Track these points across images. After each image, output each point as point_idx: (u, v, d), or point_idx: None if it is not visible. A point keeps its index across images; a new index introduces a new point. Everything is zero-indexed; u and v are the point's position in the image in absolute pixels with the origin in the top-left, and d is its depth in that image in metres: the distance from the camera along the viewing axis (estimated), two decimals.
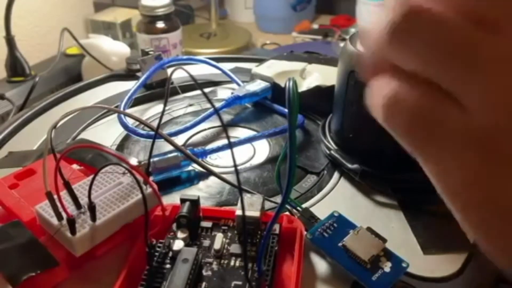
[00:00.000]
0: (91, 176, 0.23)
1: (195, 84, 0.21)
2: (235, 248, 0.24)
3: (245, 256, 0.23)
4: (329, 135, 0.35)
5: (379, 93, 0.16)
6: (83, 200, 0.23)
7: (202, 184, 0.32)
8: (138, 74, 0.49)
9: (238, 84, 0.44)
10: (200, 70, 0.48)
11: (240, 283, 0.22)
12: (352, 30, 0.89)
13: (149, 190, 0.24)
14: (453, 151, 0.15)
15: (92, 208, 0.23)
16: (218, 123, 0.40)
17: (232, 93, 0.41)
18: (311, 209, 0.28)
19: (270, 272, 0.23)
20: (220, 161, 0.35)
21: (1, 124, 0.42)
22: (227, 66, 0.47)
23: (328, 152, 0.34)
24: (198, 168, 0.33)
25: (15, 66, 0.69)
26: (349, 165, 0.31)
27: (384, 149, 0.31)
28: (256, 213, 0.24)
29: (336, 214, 0.27)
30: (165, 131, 0.37)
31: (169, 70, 0.46)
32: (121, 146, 0.37)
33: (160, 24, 0.79)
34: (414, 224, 0.28)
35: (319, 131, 0.36)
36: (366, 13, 0.92)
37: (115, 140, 0.38)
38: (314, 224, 0.26)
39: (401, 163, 0.31)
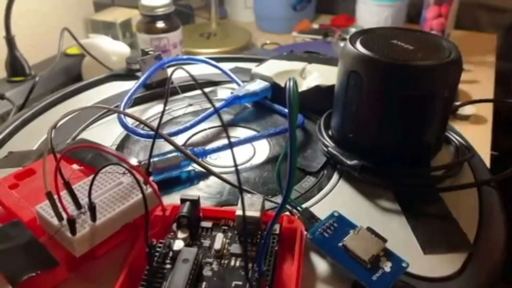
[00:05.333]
0: (91, 176, 0.23)
1: (195, 84, 0.21)
2: (235, 248, 0.24)
3: (245, 256, 0.23)
4: (326, 133, 0.35)
5: None
6: (83, 200, 0.23)
7: (202, 184, 0.32)
8: (138, 74, 0.49)
9: (238, 84, 0.44)
10: (200, 70, 0.48)
11: (240, 283, 0.22)
12: (352, 30, 0.89)
13: (149, 190, 0.24)
14: None
15: (92, 208, 0.23)
16: (218, 123, 0.40)
17: (232, 93, 0.41)
18: (311, 209, 0.28)
19: (271, 272, 0.23)
20: (220, 161, 0.35)
21: (1, 124, 0.41)
22: (227, 66, 0.47)
23: (325, 149, 0.34)
24: (198, 168, 0.33)
25: (15, 66, 0.69)
26: (348, 162, 0.31)
27: (384, 148, 0.31)
28: (257, 213, 0.24)
29: (336, 214, 0.27)
30: (165, 131, 0.37)
31: (169, 70, 0.46)
32: (121, 146, 0.37)
33: (160, 24, 0.79)
34: (414, 224, 0.28)
35: (316, 130, 0.36)
36: (366, 13, 0.92)
37: (115, 140, 0.38)
38: (314, 224, 0.26)
39: (401, 162, 0.32)
